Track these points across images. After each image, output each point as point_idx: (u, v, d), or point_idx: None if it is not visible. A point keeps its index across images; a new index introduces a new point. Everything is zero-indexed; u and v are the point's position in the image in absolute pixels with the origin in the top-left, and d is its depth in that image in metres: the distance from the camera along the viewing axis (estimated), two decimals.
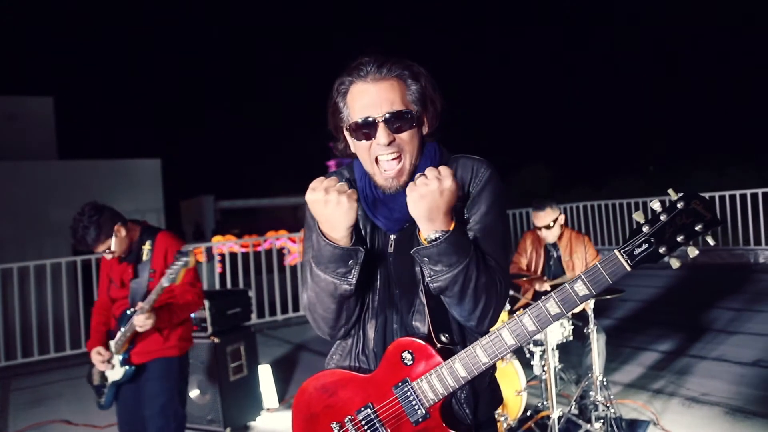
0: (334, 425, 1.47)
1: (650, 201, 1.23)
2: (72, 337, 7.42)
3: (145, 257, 3.08)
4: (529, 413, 3.89)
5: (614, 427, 3.56)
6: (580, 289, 1.26)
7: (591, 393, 3.69)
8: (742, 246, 9.62)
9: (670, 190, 1.22)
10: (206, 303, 4.31)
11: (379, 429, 1.43)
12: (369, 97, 1.42)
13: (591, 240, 4.38)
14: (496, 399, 1.57)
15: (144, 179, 13.94)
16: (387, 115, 1.40)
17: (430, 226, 1.34)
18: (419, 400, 1.38)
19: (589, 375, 3.73)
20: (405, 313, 1.47)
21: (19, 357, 7.12)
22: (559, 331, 3.77)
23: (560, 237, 4.25)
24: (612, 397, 3.68)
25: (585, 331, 3.88)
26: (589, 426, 3.58)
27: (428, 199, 1.31)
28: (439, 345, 1.40)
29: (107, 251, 3.01)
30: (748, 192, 9.30)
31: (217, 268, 9.23)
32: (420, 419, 1.39)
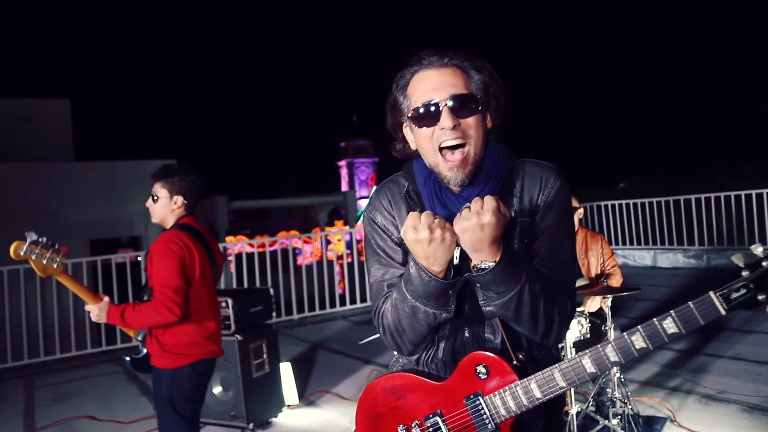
0: (400, 427, 1.47)
1: (753, 246, 1.21)
2: (93, 336, 7.55)
3: None
4: None
5: (632, 423, 3.61)
6: (669, 326, 1.24)
7: (608, 390, 3.74)
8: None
9: None
10: (230, 301, 4.40)
11: None
12: (431, 82, 1.37)
13: (606, 239, 4.43)
14: (562, 402, 1.57)
15: None
16: (451, 98, 1.34)
17: (476, 256, 1.32)
18: (490, 415, 1.37)
19: (607, 372, 3.78)
20: (476, 325, 1.45)
21: (42, 355, 7.25)
22: (576, 329, 3.82)
23: (576, 235, 4.30)
24: (629, 394, 3.72)
25: (602, 328, 3.93)
26: (606, 422, 3.63)
27: (470, 233, 1.28)
28: (515, 362, 1.40)
29: (153, 197, 3.03)
30: (765, 192, 9.25)
31: (230, 268, 9.34)
32: None
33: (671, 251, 10.58)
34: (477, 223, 1.26)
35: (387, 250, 1.52)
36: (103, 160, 16.00)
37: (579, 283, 4.04)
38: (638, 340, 1.25)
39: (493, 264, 1.30)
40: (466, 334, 1.45)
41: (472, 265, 1.35)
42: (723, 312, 1.19)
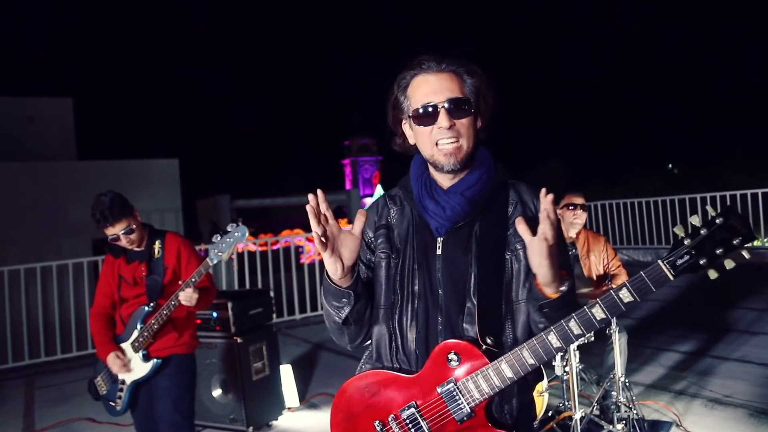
0: (377, 424, 1.52)
1: (691, 218, 1.30)
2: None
3: (156, 255, 3.16)
4: (550, 414, 3.88)
5: (637, 428, 3.55)
6: (625, 295, 1.33)
7: (613, 393, 3.68)
8: (765, 245, 9.50)
9: (708, 207, 1.30)
10: (229, 303, 4.35)
11: (423, 427, 1.48)
12: (430, 86, 1.53)
13: (608, 240, 4.38)
14: (533, 414, 1.65)
15: (162, 179, 14.07)
16: (448, 101, 1.50)
17: (559, 283, 1.40)
18: (464, 399, 1.44)
19: (611, 375, 3.72)
20: (454, 315, 1.52)
21: (43, 355, 7.22)
22: None
23: (578, 236, 4.24)
24: (634, 398, 3.66)
25: (607, 331, 3.87)
26: (611, 427, 3.57)
27: (552, 254, 1.36)
28: (484, 347, 1.46)
29: (128, 230, 3.03)
30: None
31: (234, 267, 9.31)
32: (465, 417, 1.44)
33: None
34: (552, 233, 1.35)
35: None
36: (106, 159, 16.01)
37: (583, 290, 3.98)
38: (598, 312, 1.34)
39: (567, 279, 1.42)
40: (439, 327, 1.52)
41: (550, 293, 1.41)
42: (671, 277, 1.29)
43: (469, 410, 1.43)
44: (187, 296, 2.95)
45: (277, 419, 4.58)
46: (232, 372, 4.31)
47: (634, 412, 3.59)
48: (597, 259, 4.17)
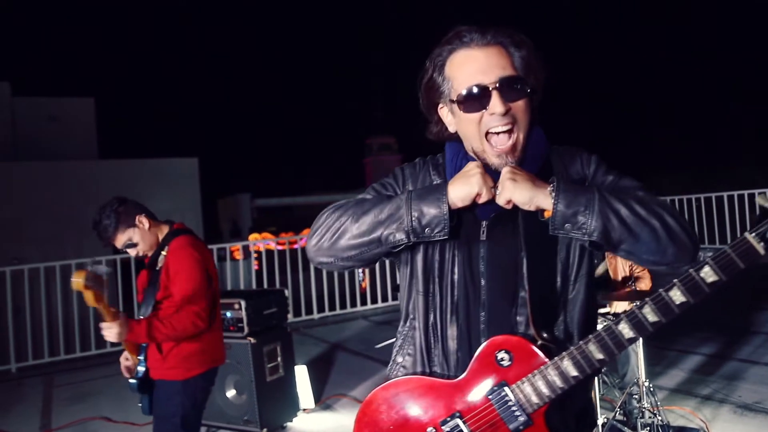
0: None
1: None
2: None
3: (159, 264, 2.82)
4: None
5: None
6: (708, 274, 1.13)
7: (635, 396, 3.56)
8: None
9: None
10: (243, 303, 4.30)
11: None
12: (477, 64, 1.27)
13: None
14: (593, 419, 1.45)
15: (181, 178, 14.16)
16: (500, 81, 1.25)
17: (543, 193, 1.22)
18: (520, 406, 1.23)
19: (635, 380, 3.60)
20: (505, 307, 1.31)
21: (62, 353, 7.26)
22: None
23: None
24: (659, 403, 3.53)
25: None
26: None
27: (523, 178, 1.23)
28: (540, 342, 1.26)
29: (129, 244, 2.79)
30: None
31: (254, 266, 9.30)
32: (521, 427, 1.23)
33: (701, 250, 10.25)
34: (510, 178, 1.23)
35: (391, 189, 1.45)
36: (127, 158, 16.15)
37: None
38: (677, 295, 1.13)
39: (556, 179, 1.23)
40: (482, 325, 1.32)
41: (548, 211, 1.23)
42: (762, 251, 1.10)
43: (526, 418, 1.22)
44: (104, 329, 2.55)
45: (291, 421, 4.52)
46: (246, 373, 4.26)
47: (659, 418, 3.46)
48: (623, 260, 4.07)
